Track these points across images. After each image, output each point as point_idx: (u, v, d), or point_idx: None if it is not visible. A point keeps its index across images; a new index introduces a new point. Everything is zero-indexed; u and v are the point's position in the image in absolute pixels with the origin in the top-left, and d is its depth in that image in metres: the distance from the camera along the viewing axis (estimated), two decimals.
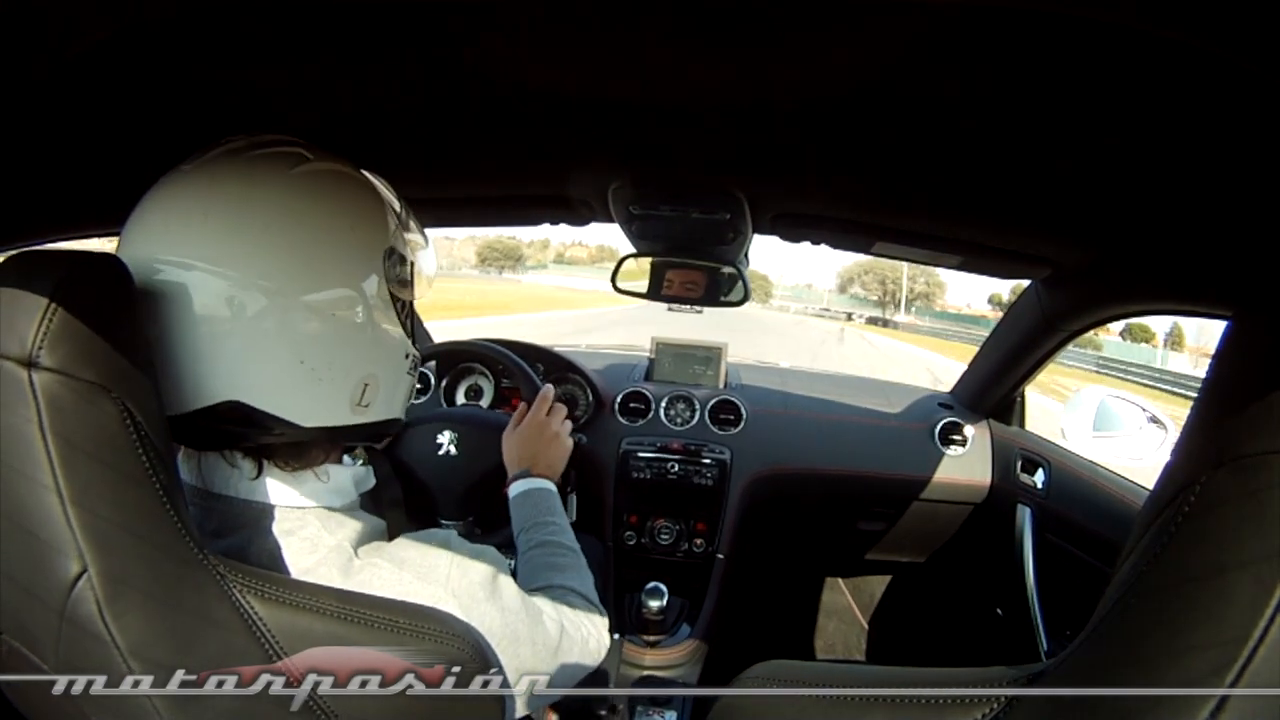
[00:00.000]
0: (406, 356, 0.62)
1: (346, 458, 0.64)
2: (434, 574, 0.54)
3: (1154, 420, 1.33)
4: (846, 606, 1.99)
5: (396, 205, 0.61)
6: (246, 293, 0.49)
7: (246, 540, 0.53)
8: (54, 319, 0.40)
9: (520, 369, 1.19)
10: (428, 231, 0.69)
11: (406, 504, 1.07)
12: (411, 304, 0.65)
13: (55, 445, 0.39)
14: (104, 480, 0.41)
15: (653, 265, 1.32)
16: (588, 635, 0.70)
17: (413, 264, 0.63)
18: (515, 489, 0.91)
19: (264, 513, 0.54)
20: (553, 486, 0.93)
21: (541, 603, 0.65)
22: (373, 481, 0.65)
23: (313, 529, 0.54)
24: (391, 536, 0.60)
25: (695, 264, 1.30)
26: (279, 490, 0.55)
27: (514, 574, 0.64)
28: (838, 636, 1.96)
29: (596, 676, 1.25)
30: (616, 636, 1.01)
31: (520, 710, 0.59)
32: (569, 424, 1.04)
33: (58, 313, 0.40)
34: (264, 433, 0.52)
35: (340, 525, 0.55)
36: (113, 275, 0.44)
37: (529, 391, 1.12)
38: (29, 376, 0.39)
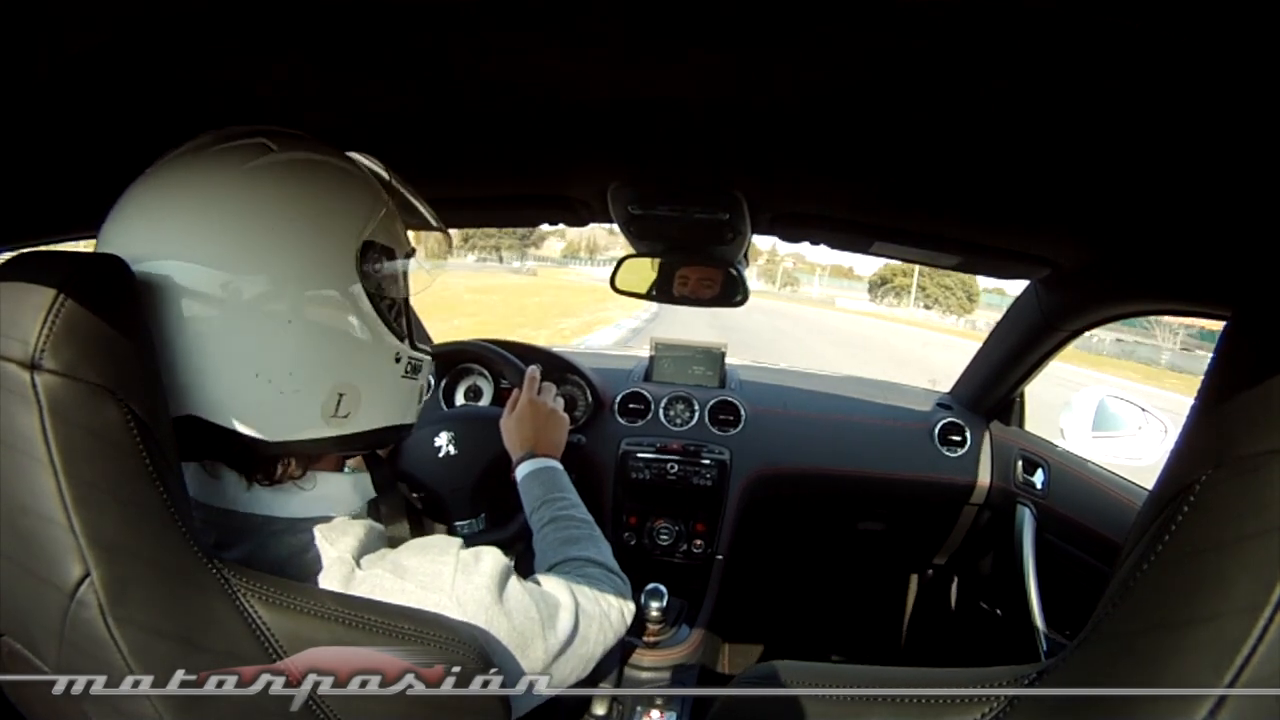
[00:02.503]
0: (397, 360, 0.58)
1: (348, 464, 0.63)
2: (438, 582, 0.53)
3: (1153, 420, 1.34)
4: (846, 606, 1.99)
5: (385, 193, 0.58)
6: (195, 300, 0.47)
7: (248, 554, 0.52)
8: (57, 321, 0.40)
9: (503, 357, 1.19)
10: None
11: (418, 512, 1.06)
12: (404, 301, 0.61)
13: (58, 448, 0.39)
14: (107, 484, 0.41)
15: (661, 264, 1.29)
16: (608, 609, 0.68)
17: (408, 255, 0.60)
18: (521, 471, 0.91)
19: (264, 525, 0.53)
20: (557, 464, 0.93)
21: (558, 590, 0.63)
22: (372, 492, 0.63)
23: (313, 540, 0.53)
24: (398, 542, 0.59)
25: (710, 262, 1.27)
26: (276, 501, 0.54)
27: (520, 560, 0.63)
28: (837, 637, 1.96)
29: (596, 676, 1.25)
30: None
31: (526, 706, 0.58)
32: (560, 400, 1.05)
33: (61, 314, 0.40)
34: (227, 447, 0.50)
35: (342, 534, 0.54)
36: (116, 276, 0.44)
37: (515, 376, 1.12)
38: (31, 379, 0.39)
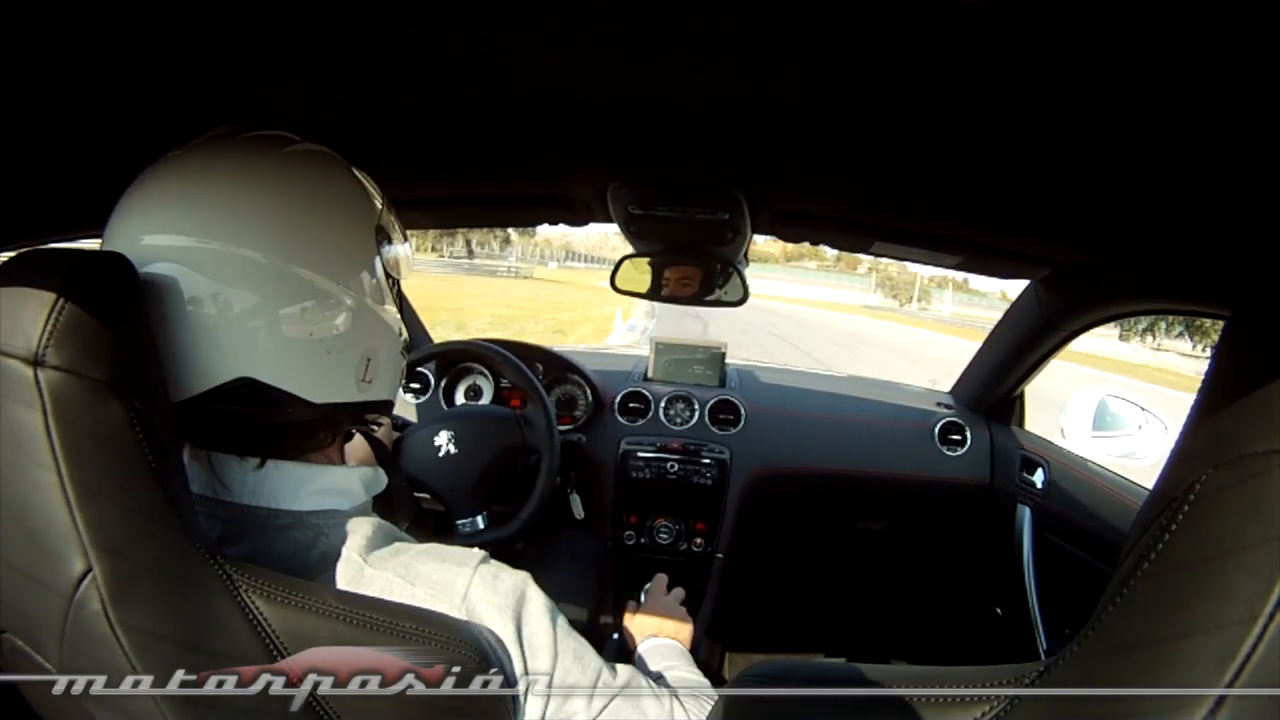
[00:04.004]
0: (400, 335, 0.63)
1: (350, 461, 0.64)
2: (449, 592, 0.52)
3: (1153, 419, 1.34)
4: (846, 606, 1.99)
5: (375, 189, 0.62)
6: (252, 268, 0.49)
7: (252, 550, 0.52)
8: (60, 317, 0.40)
9: (505, 358, 1.19)
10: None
11: (419, 512, 1.07)
12: (399, 284, 0.66)
13: (61, 444, 0.39)
14: (110, 480, 0.41)
15: (652, 264, 1.34)
16: (671, 711, 0.62)
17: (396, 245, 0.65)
18: (645, 645, 0.88)
19: (270, 518, 0.53)
20: (680, 645, 0.90)
21: (610, 664, 0.60)
22: (384, 483, 0.63)
23: (318, 536, 0.53)
24: (407, 538, 0.58)
25: (690, 261, 1.32)
26: (285, 493, 0.54)
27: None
28: (837, 636, 1.96)
29: None
30: (615, 636, 1.02)
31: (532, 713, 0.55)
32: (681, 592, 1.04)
33: (64, 311, 0.40)
34: (275, 411, 0.52)
35: (351, 531, 0.54)
36: (119, 273, 0.44)
37: (517, 377, 1.14)
38: (35, 375, 0.39)
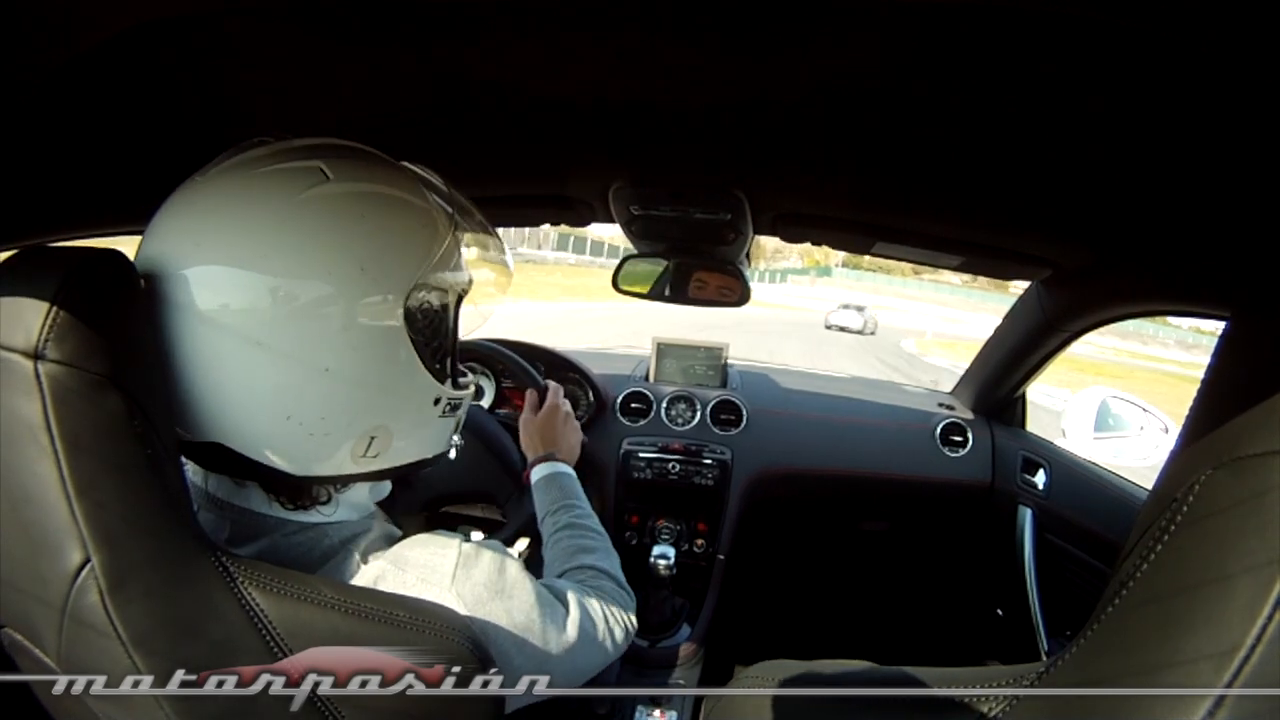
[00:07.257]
0: (436, 402, 0.56)
1: None
2: (437, 575, 0.53)
3: (1154, 420, 1.34)
4: (847, 606, 1.99)
5: (447, 217, 0.55)
6: (230, 334, 0.46)
7: (259, 552, 0.52)
8: (61, 312, 0.40)
9: (508, 358, 1.19)
10: None
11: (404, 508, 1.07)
12: (451, 344, 0.59)
13: (60, 436, 0.40)
14: (108, 472, 0.41)
15: (677, 266, 1.28)
16: (613, 626, 0.68)
17: (461, 295, 0.58)
18: (538, 473, 0.92)
19: (280, 525, 0.54)
20: (573, 471, 0.94)
21: (568, 596, 0.63)
22: (388, 490, 0.64)
23: (323, 539, 0.54)
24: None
25: (724, 269, 1.27)
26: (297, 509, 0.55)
27: (529, 563, 0.63)
28: (838, 636, 1.96)
29: (597, 677, 1.25)
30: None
31: (520, 702, 0.58)
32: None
33: (64, 306, 0.40)
34: (253, 472, 0.50)
35: (353, 533, 0.56)
36: (119, 271, 0.44)
37: (522, 377, 1.13)
38: (35, 368, 0.40)
